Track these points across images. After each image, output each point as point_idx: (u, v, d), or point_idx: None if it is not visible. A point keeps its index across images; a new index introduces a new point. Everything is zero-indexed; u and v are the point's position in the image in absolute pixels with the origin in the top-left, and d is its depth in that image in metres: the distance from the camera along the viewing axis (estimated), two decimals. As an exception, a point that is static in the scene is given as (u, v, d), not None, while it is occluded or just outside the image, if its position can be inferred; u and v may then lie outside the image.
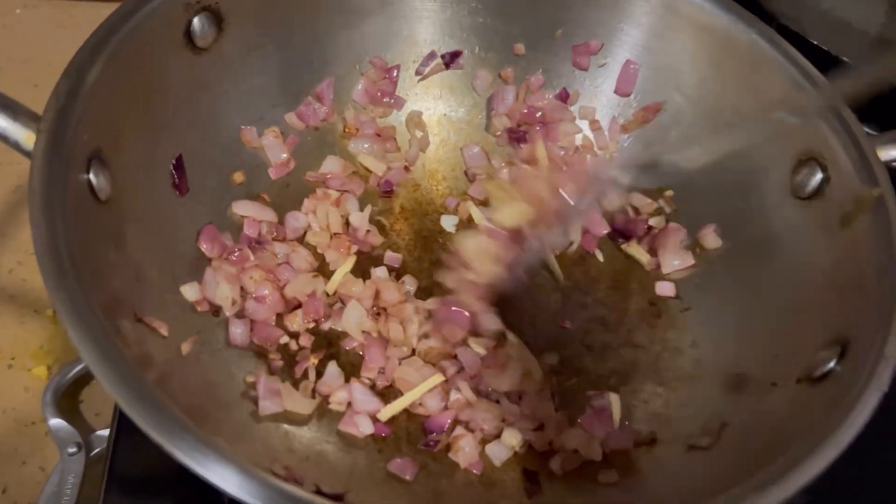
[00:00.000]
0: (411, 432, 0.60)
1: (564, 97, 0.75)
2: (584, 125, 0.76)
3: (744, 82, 0.67)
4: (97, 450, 0.74)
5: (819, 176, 0.62)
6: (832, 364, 0.52)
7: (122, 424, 0.62)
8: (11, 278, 0.86)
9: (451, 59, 0.75)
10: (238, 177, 0.68)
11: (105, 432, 0.72)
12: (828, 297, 0.57)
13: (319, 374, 0.61)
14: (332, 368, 0.61)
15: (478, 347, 0.62)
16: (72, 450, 0.73)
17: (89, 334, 0.44)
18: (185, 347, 0.56)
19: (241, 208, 0.66)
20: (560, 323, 0.67)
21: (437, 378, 0.61)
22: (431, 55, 0.75)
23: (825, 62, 0.79)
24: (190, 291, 0.60)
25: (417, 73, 0.75)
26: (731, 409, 0.59)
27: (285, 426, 0.57)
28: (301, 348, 0.63)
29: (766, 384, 0.57)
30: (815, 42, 0.83)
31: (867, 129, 0.85)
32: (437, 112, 0.77)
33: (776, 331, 0.61)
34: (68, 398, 0.79)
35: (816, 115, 0.61)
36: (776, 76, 0.65)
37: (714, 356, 0.64)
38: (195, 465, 0.41)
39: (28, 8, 1.08)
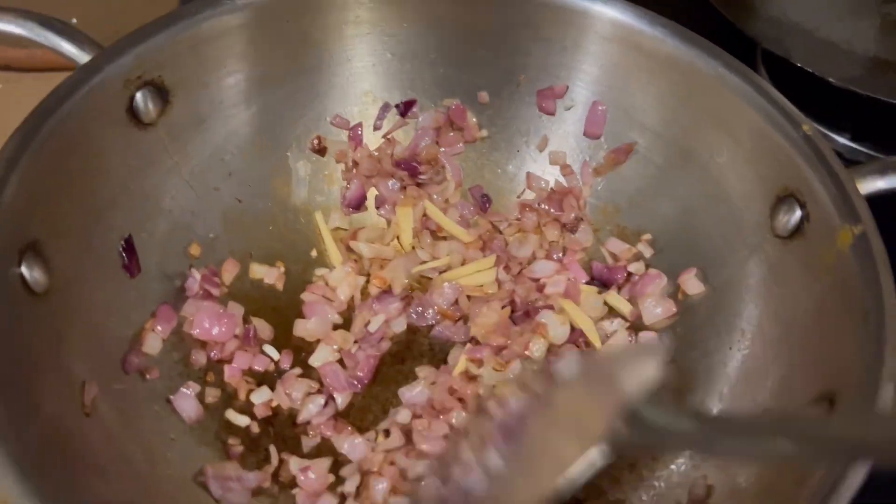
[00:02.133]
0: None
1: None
2: (555, 171, 0.73)
3: (714, 117, 0.64)
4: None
5: (798, 213, 0.58)
6: (820, 423, 0.48)
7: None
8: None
9: (405, 109, 0.73)
10: (194, 249, 0.66)
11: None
12: (814, 343, 0.54)
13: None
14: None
15: None
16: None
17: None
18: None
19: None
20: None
21: None
22: (385, 107, 0.73)
23: (811, 84, 0.78)
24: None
25: (375, 127, 0.73)
26: (718, 470, 0.55)
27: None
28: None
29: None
30: (800, 64, 0.80)
31: (861, 148, 0.83)
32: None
33: (763, 384, 0.57)
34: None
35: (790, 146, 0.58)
36: (747, 109, 0.61)
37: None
38: None
39: (10, 83, 1.08)
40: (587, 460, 0.39)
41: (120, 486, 0.49)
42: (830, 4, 0.92)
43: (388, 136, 0.74)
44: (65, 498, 0.43)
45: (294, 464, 0.58)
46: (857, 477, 0.43)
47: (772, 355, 0.57)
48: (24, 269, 0.50)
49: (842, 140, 0.85)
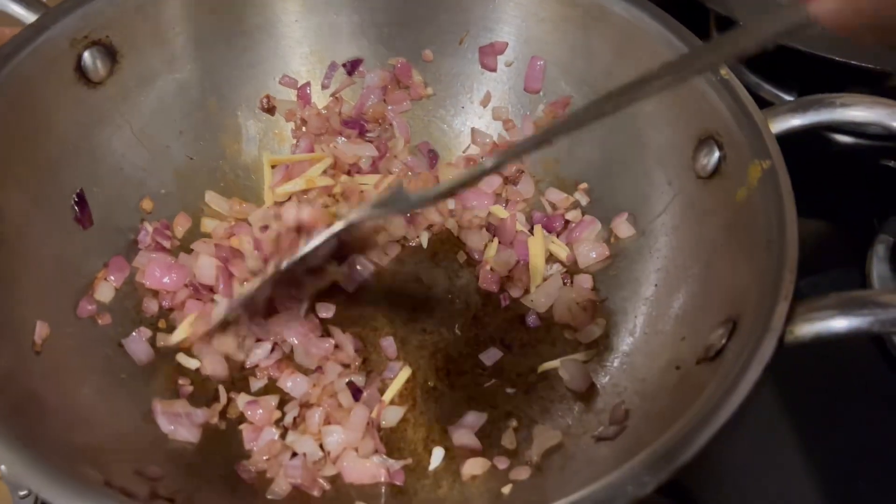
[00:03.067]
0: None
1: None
2: (498, 125, 0.76)
3: (641, 67, 0.65)
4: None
5: (717, 154, 0.61)
6: (724, 341, 0.51)
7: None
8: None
9: (352, 68, 0.75)
10: (146, 204, 0.68)
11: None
12: (725, 275, 0.56)
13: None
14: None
15: None
16: (23, 493, 0.73)
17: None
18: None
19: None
20: (479, 324, 0.67)
21: None
22: (332, 66, 0.75)
23: None
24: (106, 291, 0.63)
25: (323, 86, 0.75)
26: (636, 396, 0.58)
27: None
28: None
29: (672, 368, 0.56)
30: (742, 23, 0.82)
31: (786, 96, 0.85)
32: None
33: (682, 314, 0.60)
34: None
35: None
36: (668, 56, 0.63)
37: (626, 345, 0.63)
38: None
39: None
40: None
41: (68, 424, 0.52)
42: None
43: (336, 95, 0.76)
44: (15, 432, 0.46)
45: (242, 400, 0.61)
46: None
47: (690, 289, 0.60)
48: (-28, 219, 0.53)
49: (789, 98, 0.86)
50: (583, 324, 0.65)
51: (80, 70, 0.63)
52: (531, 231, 0.71)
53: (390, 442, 0.61)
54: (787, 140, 0.58)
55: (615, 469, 0.45)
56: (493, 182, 0.74)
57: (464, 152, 0.77)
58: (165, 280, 0.65)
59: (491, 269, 0.69)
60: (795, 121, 0.59)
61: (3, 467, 0.74)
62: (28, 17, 0.62)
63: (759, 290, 0.51)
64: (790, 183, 0.55)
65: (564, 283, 0.68)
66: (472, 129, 0.77)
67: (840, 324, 0.48)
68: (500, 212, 0.73)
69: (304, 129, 0.75)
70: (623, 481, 0.44)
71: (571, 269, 0.70)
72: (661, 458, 0.44)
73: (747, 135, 0.58)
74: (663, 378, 0.56)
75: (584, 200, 0.71)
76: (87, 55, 0.63)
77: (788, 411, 0.65)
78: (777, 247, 0.52)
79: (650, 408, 0.55)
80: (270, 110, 0.75)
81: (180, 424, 0.58)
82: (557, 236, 0.71)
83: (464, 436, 0.60)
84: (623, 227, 0.68)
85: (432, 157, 0.77)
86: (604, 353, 0.64)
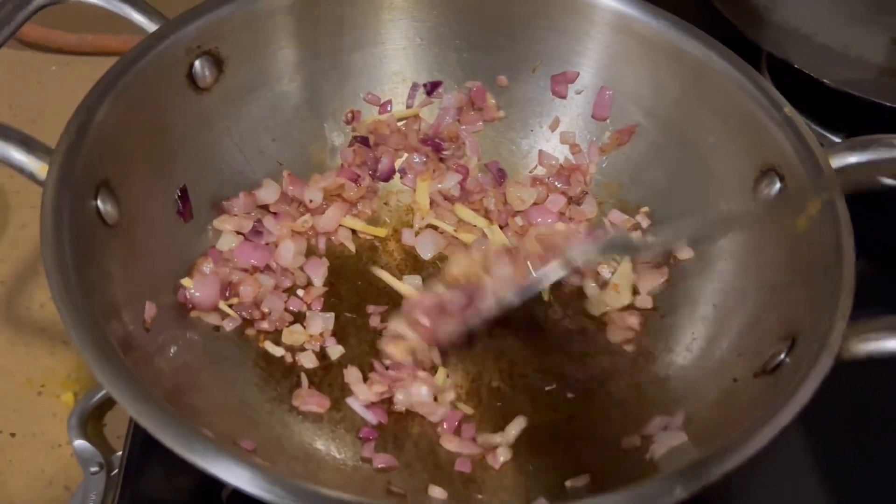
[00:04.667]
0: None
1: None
2: (564, 149, 0.81)
3: (708, 101, 0.71)
4: (117, 469, 0.79)
5: (777, 185, 0.65)
6: (783, 356, 0.55)
7: (134, 444, 0.67)
8: (43, 312, 0.92)
9: (431, 89, 0.81)
10: (240, 204, 0.74)
11: (126, 452, 0.77)
12: (783, 295, 0.61)
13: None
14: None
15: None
16: (94, 469, 0.78)
17: (96, 346, 0.49)
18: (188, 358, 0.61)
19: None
20: (542, 331, 0.72)
21: None
22: (414, 86, 0.81)
23: (811, 87, 0.85)
24: None
25: (407, 105, 0.81)
26: (695, 407, 0.62)
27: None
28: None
29: (729, 381, 0.60)
30: (798, 66, 0.87)
31: (834, 137, 0.89)
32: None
33: (740, 331, 0.64)
34: (93, 422, 0.83)
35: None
36: (736, 93, 0.69)
37: (685, 359, 0.67)
38: (209, 466, 0.45)
39: (62, 65, 1.17)
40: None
41: (179, 389, 0.57)
42: (830, 12, 0.99)
43: (415, 114, 0.82)
44: (136, 389, 0.50)
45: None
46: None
47: (748, 309, 0.64)
48: (99, 202, 0.58)
49: (837, 140, 0.91)
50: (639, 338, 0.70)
51: (190, 76, 0.69)
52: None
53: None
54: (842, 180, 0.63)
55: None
56: (557, 201, 0.79)
57: (530, 172, 0.82)
58: (253, 259, 0.70)
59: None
60: (853, 158, 0.64)
61: (75, 443, 0.79)
62: (149, 25, 0.68)
63: (817, 311, 0.55)
64: (848, 214, 0.59)
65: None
66: (540, 151, 0.82)
67: (892, 344, 0.53)
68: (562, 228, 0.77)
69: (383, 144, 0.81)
70: (677, 479, 0.47)
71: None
72: (724, 454, 0.48)
73: (808, 168, 0.63)
74: (720, 389, 0.60)
75: (645, 223, 0.76)
76: (197, 63, 0.69)
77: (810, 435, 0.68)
78: (835, 272, 0.56)
79: (707, 416, 0.59)
80: (353, 123, 0.80)
81: None
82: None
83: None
84: (683, 250, 0.72)
85: (500, 175, 0.81)
86: (660, 366, 0.68)
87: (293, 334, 0.68)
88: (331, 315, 0.70)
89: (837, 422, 0.67)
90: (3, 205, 0.99)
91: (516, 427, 0.65)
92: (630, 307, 0.72)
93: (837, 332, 0.52)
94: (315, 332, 0.69)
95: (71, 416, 0.81)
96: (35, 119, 1.08)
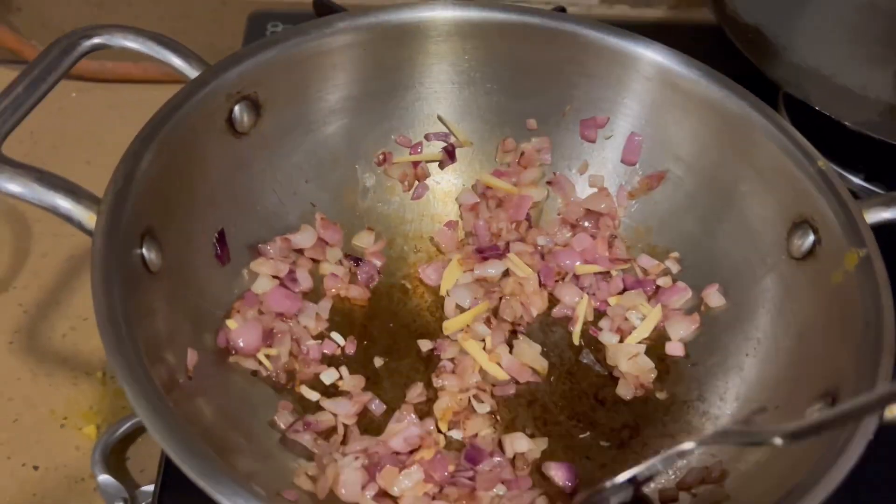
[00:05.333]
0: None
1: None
2: (593, 192, 0.81)
3: (740, 151, 0.72)
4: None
5: (811, 238, 0.66)
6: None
7: (167, 479, 0.67)
8: (65, 343, 0.92)
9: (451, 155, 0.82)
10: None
11: (149, 488, 0.77)
12: (820, 350, 0.61)
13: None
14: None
15: None
16: (118, 504, 0.78)
17: (144, 394, 0.50)
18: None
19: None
20: (573, 378, 0.72)
21: None
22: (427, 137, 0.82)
23: (828, 126, 0.85)
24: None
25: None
26: (731, 459, 0.62)
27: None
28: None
29: (767, 435, 0.61)
30: (818, 108, 0.88)
31: (873, 188, 0.90)
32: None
33: (774, 384, 0.64)
34: (116, 455, 0.83)
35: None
36: (769, 144, 0.70)
37: (718, 409, 0.68)
38: None
39: (82, 91, 1.17)
40: None
41: (221, 442, 0.57)
42: (848, 53, 1.00)
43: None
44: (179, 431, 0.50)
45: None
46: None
47: (782, 361, 0.65)
48: (144, 251, 0.59)
49: (856, 180, 0.92)
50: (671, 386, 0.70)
51: (230, 121, 0.69)
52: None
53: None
54: (877, 231, 0.64)
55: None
56: (583, 241, 0.79)
57: (559, 215, 0.82)
58: (285, 306, 0.71)
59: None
60: (887, 213, 0.65)
61: (100, 478, 0.79)
62: (188, 70, 0.68)
63: (856, 370, 0.56)
64: (885, 271, 0.60)
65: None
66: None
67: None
68: (589, 268, 0.78)
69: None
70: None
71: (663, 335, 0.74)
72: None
73: (843, 223, 0.63)
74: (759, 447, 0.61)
75: (675, 268, 0.77)
76: (237, 108, 0.69)
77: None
78: (874, 329, 0.57)
79: (745, 471, 0.60)
80: (384, 165, 0.81)
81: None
82: (648, 301, 0.76)
83: (559, 476, 0.65)
84: (714, 297, 0.73)
85: (528, 218, 0.82)
86: (693, 415, 0.68)
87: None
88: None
89: (882, 487, 0.68)
90: (24, 233, 0.99)
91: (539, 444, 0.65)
92: (660, 354, 0.73)
93: (881, 389, 0.53)
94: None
95: (94, 449, 0.81)
96: (56, 145, 1.09)
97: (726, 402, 0.67)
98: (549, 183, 0.82)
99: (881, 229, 0.64)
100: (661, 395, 0.71)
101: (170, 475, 0.68)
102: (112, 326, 0.52)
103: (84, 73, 1.14)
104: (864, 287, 0.60)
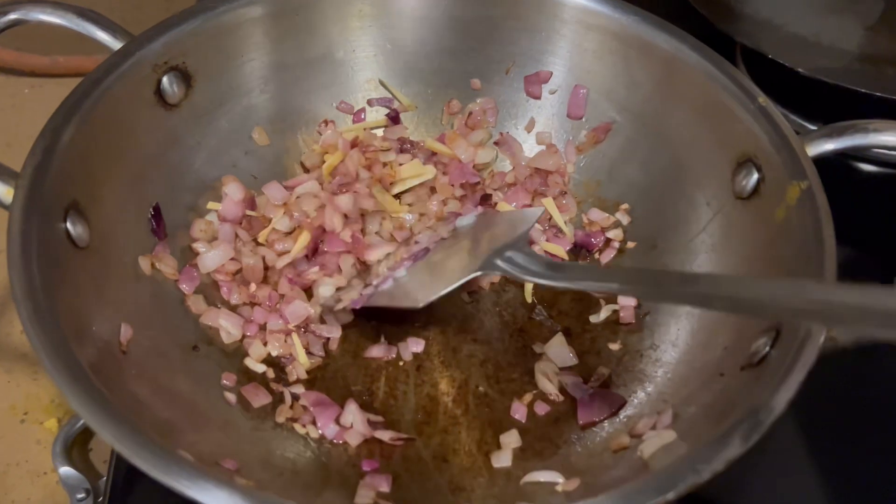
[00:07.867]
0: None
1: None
2: (541, 150, 0.80)
3: (681, 94, 0.71)
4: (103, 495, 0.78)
5: (755, 176, 0.65)
6: (767, 348, 0.55)
7: (119, 469, 0.67)
8: (23, 338, 0.90)
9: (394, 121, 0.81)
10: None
11: (113, 478, 0.76)
12: (766, 287, 0.60)
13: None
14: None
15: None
16: (80, 496, 0.77)
17: (66, 368, 0.49)
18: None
19: None
20: (526, 335, 0.71)
21: None
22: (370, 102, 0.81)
23: (786, 77, 0.85)
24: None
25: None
26: (682, 401, 0.61)
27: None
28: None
29: (716, 375, 0.59)
30: (771, 56, 0.87)
31: (810, 125, 0.89)
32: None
33: (724, 325, 0.63)
34: (78, 447, 0.82)
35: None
36: (709, 85, 0.68)
37: (670, 355, 0.66)
38: (187, 490, 0.44)
39: (35, 87, 1.16)
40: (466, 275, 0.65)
41: (160, 421, 0.56)
42: (801, 3, 1.00)
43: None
44: (110, 412, 0.49)
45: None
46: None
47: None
48: (68, 225, 0.57)
49: (813, 128, 0.91)
50: (625, 336, 0.69)
51: (158, 93, 0.68)
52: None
53: (445, 443, 0.64)
54: (817, 166, 0.63)
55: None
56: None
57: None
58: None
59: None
60: (829, 145, 0.63)
61: (60, 470, 0.78)
62: (114, 43, 0.67)
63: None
64: (827, 202, 0.59)
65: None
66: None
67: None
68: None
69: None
70: (677, 471, 0.47)
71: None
72: (714, 451, 0.47)
73: (785, 157, 0.62)
74: (708, 384, 0.60)
75: (625, 220, 0.75)
76: (165, 79, 0.68)
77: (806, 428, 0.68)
78: (816, 261, 0.55)
79: (696, 412, 0.59)
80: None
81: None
82: (599, 254, 0.75)
83: (513, 441, 0.64)
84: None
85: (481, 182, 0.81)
86: (647, 363, 0.67)
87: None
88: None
89: (830, 416, 0.67)
90: (-22, 231, 0.98)
91: (513, 442, 0.64)
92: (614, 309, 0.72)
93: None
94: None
95: (55, 442, 0.80)
96: (10, 143, 1.07)
97: (678, 346, 0.66)
98: (496, 143, 0.81)
99: (824, 164, 0.63)
100: (614, 347, 0.69)
101: (122, 460, 0.67)
102: (31, 301, 0.51)
103: (36, 68, 1.13)
104: (805, 219, 0.58)
